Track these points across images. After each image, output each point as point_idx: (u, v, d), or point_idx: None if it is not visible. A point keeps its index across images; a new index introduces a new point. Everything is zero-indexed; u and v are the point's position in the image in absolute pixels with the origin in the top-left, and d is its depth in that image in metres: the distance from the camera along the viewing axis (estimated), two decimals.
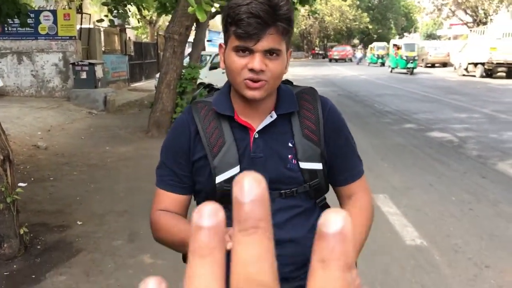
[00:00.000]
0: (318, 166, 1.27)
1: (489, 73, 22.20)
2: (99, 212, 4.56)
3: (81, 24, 13.17)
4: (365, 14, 55.86)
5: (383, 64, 34.56)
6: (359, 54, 41.40)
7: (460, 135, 8.44)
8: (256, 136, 1.25)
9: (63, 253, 3.62)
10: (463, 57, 24.88)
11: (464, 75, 24.26)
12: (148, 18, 24.87)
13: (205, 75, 13.42)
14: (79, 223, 4.24)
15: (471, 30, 30.13)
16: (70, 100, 11.51)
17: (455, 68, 26.84)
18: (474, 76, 22.75)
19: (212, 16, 10.90)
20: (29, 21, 11.68)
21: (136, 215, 4.43)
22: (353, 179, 1.37)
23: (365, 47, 62.04)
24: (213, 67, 14.42)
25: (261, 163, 1.24)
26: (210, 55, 14.89)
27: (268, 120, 1.25)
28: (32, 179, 5.62)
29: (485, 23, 32.71)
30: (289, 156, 1.25)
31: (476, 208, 4.67)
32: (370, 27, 58.92)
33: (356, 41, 67.94)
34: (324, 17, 55.48)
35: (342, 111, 1.39)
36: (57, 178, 5.69)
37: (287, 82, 1.41)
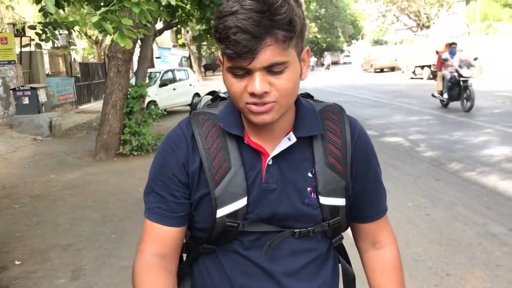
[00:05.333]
0: (341, 202, 1.06)
1: (436, 74, 22.84)
2: (41, 248, 4.21)
3: (20, 48, 12.58)
4: (313, 24, 56.79)
5: None
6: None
7: (412, 138, 8.53)
8: (270, 162, 1.03)
9: None
10: (410, 60, 25.58)
11: (412, 78, 24.94)
12: (94, 38, 24.30)
13: (155, 93, 13.15)
14: (17, 262, 3.88)
15: (415, 34, 31.06)
16: (13, 128, 10.94)
17: (403, 72, 27.58)
18: (422, 78, 23.42)
19: (159, 32, 10.65)
20: None
21: (82, 248, 4.13)
22: (378, 216, 1.18)
23: (316, 56, 62.87)
24: (163, 84, 14.17)
25: (274, 196, 1.02)
26: (160, 72, 14.63)
27: (285, 144, 1.02)
28: None
29: (428, 27, 33.85)
30: (308, 189, 1.04)
31: (432, 212, 4.63)
32: (319, 36, 59.94)
33: None
34: None
35: None
36: None
37: (307, 96, 1.19)
